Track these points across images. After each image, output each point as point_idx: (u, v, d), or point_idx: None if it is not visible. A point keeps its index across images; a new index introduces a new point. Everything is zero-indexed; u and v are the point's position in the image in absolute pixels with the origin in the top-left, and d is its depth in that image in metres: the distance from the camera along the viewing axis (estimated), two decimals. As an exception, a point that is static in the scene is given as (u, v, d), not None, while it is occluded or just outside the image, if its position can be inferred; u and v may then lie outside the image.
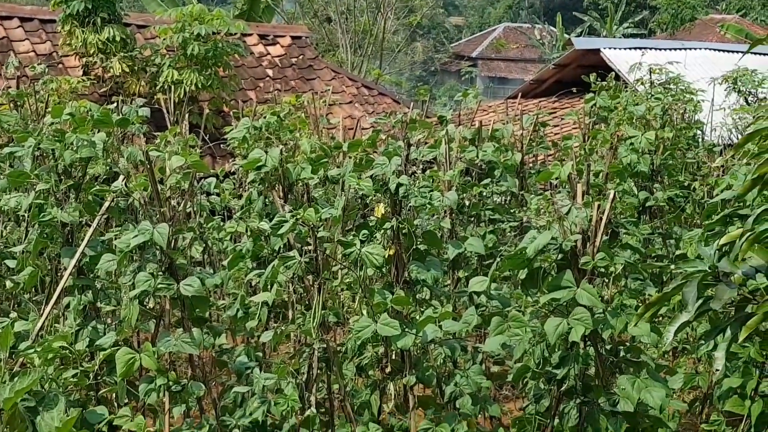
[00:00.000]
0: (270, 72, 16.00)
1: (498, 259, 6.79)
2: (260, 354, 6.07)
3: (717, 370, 3.89)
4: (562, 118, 15.89)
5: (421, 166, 6.06)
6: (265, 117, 6.64)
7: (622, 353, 4.99)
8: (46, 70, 8.09)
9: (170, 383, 5.03)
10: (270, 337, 5.25)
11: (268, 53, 16.50)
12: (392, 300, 5.13)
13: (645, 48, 18.31)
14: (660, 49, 19.06)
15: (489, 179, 7.83)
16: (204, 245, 7.05)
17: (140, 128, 5.91)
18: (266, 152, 5.80)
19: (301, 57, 16.56)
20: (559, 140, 9.60)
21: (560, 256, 4.80)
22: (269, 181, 5.94)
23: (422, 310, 5.55)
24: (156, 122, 9.35)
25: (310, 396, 5.07)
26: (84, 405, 4.82)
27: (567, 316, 4.63)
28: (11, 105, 7.98)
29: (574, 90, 13.00)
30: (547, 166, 9.08)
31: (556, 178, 6.74)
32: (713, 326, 3.60)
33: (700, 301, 3.35)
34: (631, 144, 8.03)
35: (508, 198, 8.62)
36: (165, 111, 7.13)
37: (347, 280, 6.06)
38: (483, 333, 6.88)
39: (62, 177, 5.56)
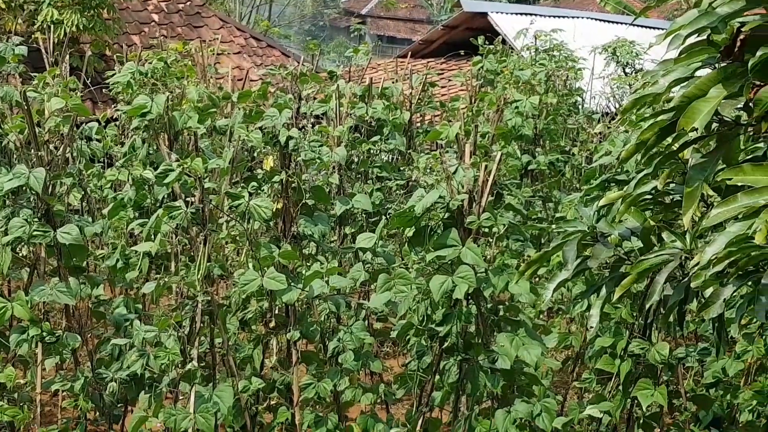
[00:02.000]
0: (155, 17, 15.55)
1: (385, 217, 6.85)
2: (140, 306, 5.96)
3: (591, 327, 4.04)
4: (450, 80, 16.02)
5: (311, 121, 6.00)
6: (150, 62, 6.45)
7: (501, 312, 5.10)
8: None
9: (44, 334, 4.88)
10: (151, 289, 5.13)
11: (154, -2, 16.03)
12: (279, 254, 5.09)
13: (532, 14, 18.62)
14: (547, 17, 19.37)
15: (378, 137, 7.84)
16: (83, 192, 6.83)
17: (16, 68, 5.65)
18: (152, 99, 5.64)
19: (188, 3, 16.16)
20: (447, 101, 9.67)
21: (447, 215, 4.85)
22: (154, 128, 5.79)
23: (308, 265, 5.53)
24: (33, 63, 8.96)
25: (191, 350, 4.99)
26: (-48, 355, 4.64)
27: (452, 274, 4.70)
28: None
29: (462, 53, 13.09)
30: (434, 126, 9.16)
31: (444, 138, 6.80)
32: (589, 286, 3.71)
33: (578, 260, 3.44)
34: (516, 108, 8.18)
35: (396, 156, 8.66)
36: (44, 51, 6.83)
37: (233, 232, 5.98)
38: (368, 290, 6.94)
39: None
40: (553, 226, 6.24)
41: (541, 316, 7.39)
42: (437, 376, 5.15)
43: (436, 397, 5.21)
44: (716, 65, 2.61)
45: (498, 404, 5.03)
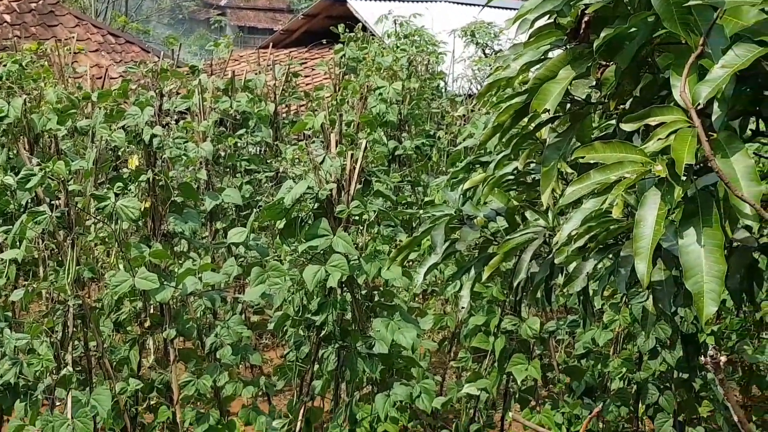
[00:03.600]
0: (7, 17, 15.01)
1: (255, 210, 6.86)
2: (9, 314, 5.80)
3: (462, 308, 4.17)
4: (313, 69, 16.07)
5: (175, 117, 5.96)
6: (5, 65, 6.27)
7: (376, 297, 5.20)
8: None
9: None
10: (20, 296, 5.03)
11: (4, -3, 15.45)
12: (150, 253, 5.06)
13: (390, 0, 18.83)
14: (405, 2, 19.63)
15: (243, 130, 7.83)
16: (-60, 202, 6.59)
17: None
18: (8, 102, 5.51)
19: (41, 2, 15.65)
20: (311, 90, 9.73)
21: (317, 205, 4.92)
22: (13, 132, 5.65)
23: (181, 262, 5.51)
24: None
25: (65, 355, 4.93)
26: None
27: (324, 264, 4.77)
28: None
29: (324, 41, 13.15)
30: (300, 116, 9.21)
31: (310, 128, 6.86)
32: (459, 267, 3.82)
33: (447, 243, 3.54)
34: (380, 94, 8.30)
35: (263, 148, 8.67)
36: None
37: (101, 234, 5.90)
38: (243, 283, 6.95)
39: None
40: (422, 210, 6.39)
41: (416, 299, 7.55)
42: (316, 365, 5.21)
43: (316, 386, 5.28)
44: (565, 47, 2.73)
45: (378, 389, 5.13)
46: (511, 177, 3.51)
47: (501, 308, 5.61)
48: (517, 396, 5.80)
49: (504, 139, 3.06)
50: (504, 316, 5.56)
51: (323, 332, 5.05)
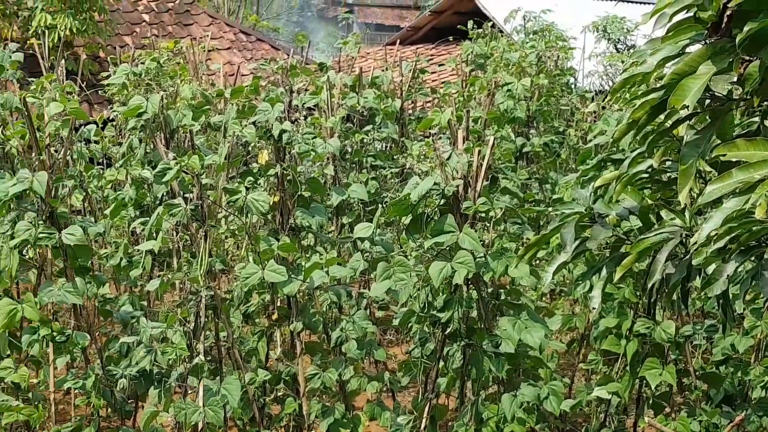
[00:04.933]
0: (146, 17, 15.56)
1: (381, 205, 6.90)
2: (145, 303, 6.02)
3: (593, 309, 4.05)
4: (440, 65, 16.05)
5: (303, 113, 6.05)
6: (144, 63, 6.50)
7: (503, 296, 5.14)
8: None
9: (54, 334, 4.95)
10: (156, 286, 5.19)
11: (143, -3, 16.02)
12: (278, 246, 5.14)
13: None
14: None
15: (370, 126, 7.88)
16: (84, 193, 6.88)
17: (14, 74, 5.70)
18: (147, 99, 5.69)
19: (177, 2, 16.15)
20: (438, 87, 9.72)
21: (443, 201, 4.89)
22: (150, 128, 5.84)
23: (307, 256, 5.58)
24: (30, 68, 9.00)
25: (197, 344, 5.06)
26: (-36, 359, 4.70)
27: (450, 260, 4.74)
28: None
29: (451, 38, 13.11)
30: (426, 112, 9.21)
31: (436, 125, 6.85)
32: (589, 267, 3.73)
33: (577, 242, 3.46)
34: (508, 91, 8.20)
35: (389, 144, 8.71)
36: (39, 57, 6.88)
37: (232, 227, 6.04)
38: (368, 279, 7.00)
39: (-68, 124, 5.34)
40: (551, 208, 6.28)
41: (543, 299, 7.44)
42: (441, 363, 5.19)
43: (441, 384, 5.26)
44: (705, 42, 2.64)
45: (504, 389, 5.07)
46: (646, 175, 3.42)
47: (633, 310, 5.46)
48: (650, 401, 5.61)
49: (639, 136, 2.98)
50: (637, 318, 5.39)
51: (449, 329, 5.03)
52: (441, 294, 4.95)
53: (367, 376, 5.68)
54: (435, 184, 4.81)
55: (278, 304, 5.59)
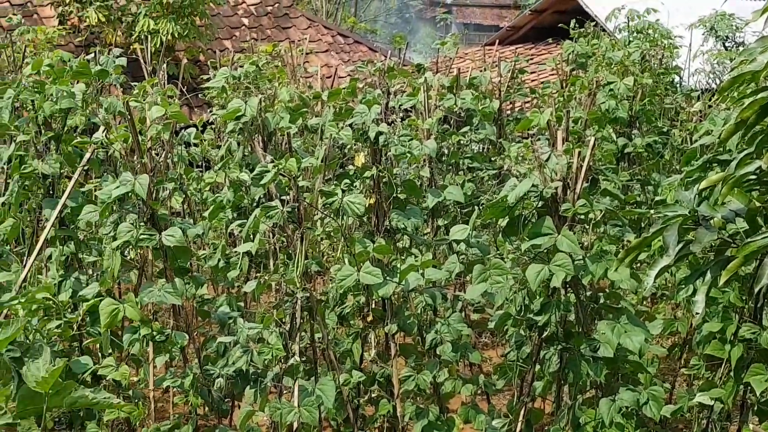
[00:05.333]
0: (246, 21, 15.83)
1: (477, 207, 6.83)
2: (242, 304, 6.10)
3: (697, 313, 3.92)
4: (540, 65, 15.87)
5: (400, 115, 6.04)
6: (243, 66, 6.58)
7: (602, 299, 5.03)
8: (22, 20, 7.96)
9: (154, 333, 5.05)
10: (253, 287, 5.25)
11: (244, 2, 16.30)
12: (374, 248, 5.14)
13: (622, -7, 18.23)
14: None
15: (467, 127, 7.82)
16: (184, 196, 7.02)
17: (117, 79, 5.85)
18: (245, 102, 5.76)
19: (276, 5, 16.38)
20: (537, 87, 9.59)
21: (541, 203, 4.81)
22: (249, 131, 5.91)
23: (403, 258, 5.57)
24: (133, 73, 9.24)
25: (293, 345, 5.09)
26: (68, 355, 4.83)
27: (548, 263, 4.65)
28: (-13, 56, 7.87)
29: (550, 40, 12.93)
30: (525, 113, 9.09)
31: (535, 125, 6.74)
32: (693, 271, 3.62)
33: (681, 245, 3.36)
34: (610, 90, 8.04)
35: (487, 146, 8.63)
36: (142, 61, 7.05)
37: (328, 229, 6.06)
38: (463, 281, 6.94)
39: (42, 128, 5.51)
40: (653, 210, 6.11)
41: (644, 303, 7.26)
42: (537, 366, 5.11)
43: (537, 387, 5.18)
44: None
45: (602, 393, 4.97)
46: (754, 177, 3.29)
47: (739, 315, 5.27)
48: (755, 408, 5.42)
49: (747, 137, 2.87)
50: (742, 323, 5.21)
51: (545, 333, 4.95)
52: (538, 297, 4.87)
53: (462, 379, 5.64)
54: (533, 185, 4.73)
55: (373, 305, 5.59)
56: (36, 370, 3.55)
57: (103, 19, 12.56)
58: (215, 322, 5.92)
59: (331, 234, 6.04)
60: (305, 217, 5.16)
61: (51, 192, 5.58)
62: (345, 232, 5.34)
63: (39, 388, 3.45)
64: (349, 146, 5.58)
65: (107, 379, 4.89)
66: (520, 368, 5.22)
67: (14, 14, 8.25)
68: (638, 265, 6.25)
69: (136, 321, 4.96)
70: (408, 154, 5.57)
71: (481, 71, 8.79)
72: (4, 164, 5.59)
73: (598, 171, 6.94)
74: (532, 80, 14.87)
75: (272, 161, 5.06)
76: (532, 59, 16.23)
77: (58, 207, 5.10)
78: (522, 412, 5.21)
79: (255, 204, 5.78)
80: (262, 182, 5.03)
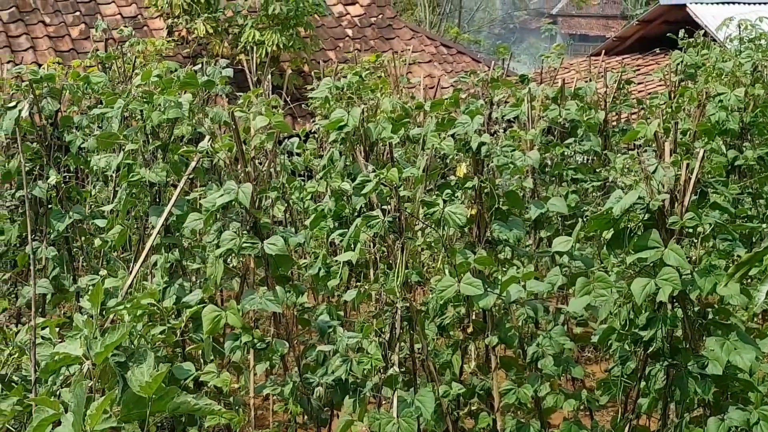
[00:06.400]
0: (350, 32, 15.98)
1: (581, 219, 6.72)
2: (341, 313, 6.12)
3: (811, 332, 3.77)
4: (647, 76, 15.55)
5: (503, 126, 5.99)
6: (346, 77, 6.63)
7: (710, 315, 4.88)
8: (133, 32, 8.21)
9: (255, 341, 5.10)
10: (353, 296, 5.27)
11: (348, 13, 16.46)
12: (475, 259, 5.09)
13: (735, 2, 17.75)
14: (750, 4, 18.44)
15: (572, 138, 7.71)
16: (286, 205, 7.10)
17: (223, 89, 5.96)
18: (348, 112, 5.79)
19: (380, 16, 16.49)
20: (644, 98, 9.40)
21: (647, 216, 4.70)
22: (351, 140, 5.94)
23: (504, 270, 5.50)
24: (238, 83, 9.43)
25: (392, 355, 5.08)
26: (171, 361, 4.92)
27: (654, 277, 4.54)
28: (99, 67, 8.14)
29: (658, 50, 12.65)
30: (631, 124, 8.91)
31: (642, 137, 6.60)
32: (808, 288, 3.47)
33: (795, 262, 3.24)
34: (720, 101, 7.81)
35: (591, 157, 8.49)
36: (247, 72, 7.17)
37: (428, 239, 6.04)
38: (566, 294, 6.83)
39: (150, 138, 5.65)
40: (765, 224, 5.91)
41: (755, 320, 7.02)
42: (643, 382, 4.99)
43: (642, 404, 5.04)
44: None
45: (710, 412, 4.81)
46: None
47: None
48: None
49: None
50: None
51: (651, 348, 4.82)
52: (643, 311, 4.76)
53: (564, 393, 5.54)
54: (639, 198, 4.63)
55: (473, 317, 5.54)
56: (140, 375, 3.63)
57: (211, 31, 12.86)
58: (315, 331, 5.96)
59: (432, 244, 6.02)
60: (406, 227, 5.15)
61: (157, 200, 5.72)
62: (446, 243, 5.31)
63: (143, 392, 3.52)
64: (451, 156, 5.55)
65: (209, 385, 4.96)
66: (624, 384, 5.11)
67: (125, 26, 8.50)
68: (749, 280, 6.04)
69: (237, 328, 5.02)
70: (511, 164, 5.51)
71: (586, 82, 8.66)
72: (113, 172, 5.75)
73: (707, 184, 6.75)
74: (639, 91, 14.58)
75: (374, 171, 5.07)
76: (638, 70, 15.91)
77: (164, 215, 5.21)
78: (626, 429, 5.08)
79: (356, 213, 5.80)
80: (363, 192, 5.04)
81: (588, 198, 7.73)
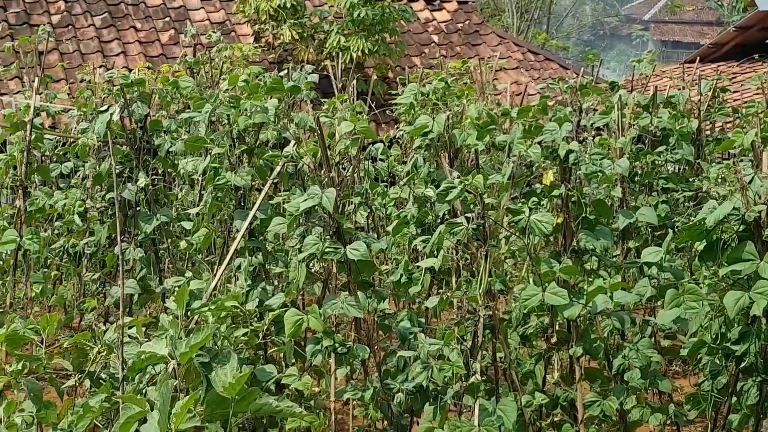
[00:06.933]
0: (435, 38, 15.95)
1: (672, 230, 6.56)
2: (423, 320, 6.08)
3: None
4: (743, 84, 15.14)
5: (591, 133, 5.89)
6: (431, 83, 6.60)
7: (807, 331, 4.71)
8: (221, 38, 8.33)
9: (336, 345, 5.10)
10: (434, 303, 5.23)
11: (434, 19, 16.44)
12: (560, 269, 5.01)
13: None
14: None
15: (663, 147, 7.54)
16: (369, 210, 7.09)
17: (308, 95, 5.99)
18: (433, 118, 5.76)
19: (466, 22, 16.43)
20: (740, 107, 9.13)
21: (742, 227, 4.57)
22: (435, 147, 5.91)
23: (590, 280, 5.40)
24: (323, 89, 9.48)
25: (474, 363, 5.02)
26: (254, 363, 4.95)
27: (748, 290, 4.41)
28: (188, 72, 8.29)
29: (756, 56, 12.31)
30: (726, 133, 8.67)
31: (738, 146, 6.41)
32: None
33: None
34: (820, 110, 7.56)
35: (683, 166, 8.29)
36: (332, 77, 7.20)
37: (512, 248, 5.97)
38: (653, 306, 6.68)
39: (236, 142, 5.71)
40: None
41: None
42: (734, 398, 4.84)
43: (732, 420, 4.91)
44: None
45: (805, 430, 4.65)
46: None
47: None
48: None
49: None
50: None
51: (743, 363, 4.68)
52: (736, 325, 4.63)
53: (650, 407, 5.42)
54: (734, 208, 4.50)
55: (557, 327, 5.45)
56: (223, 376, 3.65)
57: (297, 37, 12.99)
58: (396, 337, 5.93)
59: (516, 253, 5.94)
60: (490, 235, 5.09)
61: (242, 204, 5.77)
62: (530, 251, 5.24)
63: (226, 393, 3.54)
64: (537, 164, 5.48)
65: (290, 388, 4.98)
66: (714, 399, 4.98)
67: (214, 32, 8.63)
68: None
69: (319, 332, 5.03)
70: (599, 173, 5.40)
71: (679, 89, 8.46)
72: (200, 176, 5.82)
73: (807, 195, 6.53)
74: (735, 99, 14.20)
75: (458, 177, 5.03)
76: (735, 77, 15.53)
77: (248, 218, 5.24)
78: (716, 446, 4.95)
79: (439, 220, 5.76)
80: (447, 198, 5.00)
81: (679, 208, 7.55)
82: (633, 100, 7.40)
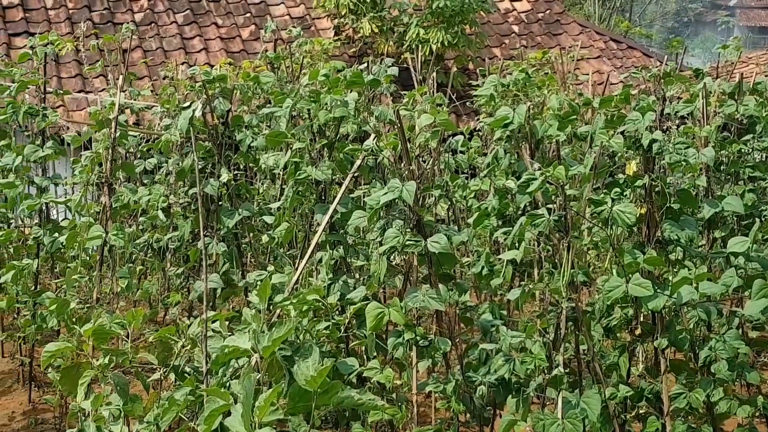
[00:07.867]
0: (516, 28, 15.83)
1: (759, 219, 6.41)
2: (504, 312, 6.07)
3: None
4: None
5: (675, 122, 5.79)
6: (512, 74, 6.56)
7: None
8: (301, 32, 8.41)
9: (417, 338, 5.13)
10: (516, 296, 5.21)
11: (514, 9, 16.32)
12: (644, 260, 4.95)
13: None
14: None
15: (750, 135, 7.36)
16: (449, 203, 7.09)
17: (388, 88, 6.00)
18: (513, 109, 5.73)
19: (547, 12, 16.26)
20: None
21: (832, 216, 4.44)
22: (516, 138, 5.87)
23: (675, 270, 5.32)
24: (402, 81, 9.50)
25: (557, 355, 5.00)
26: (335, 356, 5.01)
27: (839, 281, 4.29)
28: (268, 67, 8.39)
29: None
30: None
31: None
32: None
33: None
34: None
35: (771, 155, 8.07)
36: (412, 70, 7.21)
37: (595, 239, 5.91)
38: (741, 296, 6.54)
39: (316, 136, 5.76)
40: None
41: None
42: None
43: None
44: None
45: None
46: None
47: None
48: None
49: None
50: None
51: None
52: (827, 318, 4.49)
53: (738, 399, 5.33)
54: (824, 196, 4.38)
55: (641, 319, 5.38)
56: (306, 369, 3.70)
57: (376, 30, 13.03)
58: (477, 330, 5.93)
59: (599, 244, 5.88)
60: (572, 226, 5.05)
61: (323, 197, 5.82)
62: (613, 242, 5.18)
63: (308, 386, 3.59)
64: (619, 154, 5.41)
65: (372, 381, 5.02)
66: (804, 393, 4.86)
67: (294, 27, 8.72)
68: None
69: (400, 325, 5.06)
70: (684, 162, 5.31)
71: (766, 76, 8.25)
72: (281, 170, 5.89)
73: None
74: (826, 84, 13.75)
75: (539, 169, 4.99)
76: (825, 61, 15.02)
77: (329, 212, 5.29)
78: (806, 442, 4.83)
79: (520, 212, 5.73)
80: (528, 190, 4.98)
81: (766, 197, 7.36)
82: (718, 88, 7.24)
